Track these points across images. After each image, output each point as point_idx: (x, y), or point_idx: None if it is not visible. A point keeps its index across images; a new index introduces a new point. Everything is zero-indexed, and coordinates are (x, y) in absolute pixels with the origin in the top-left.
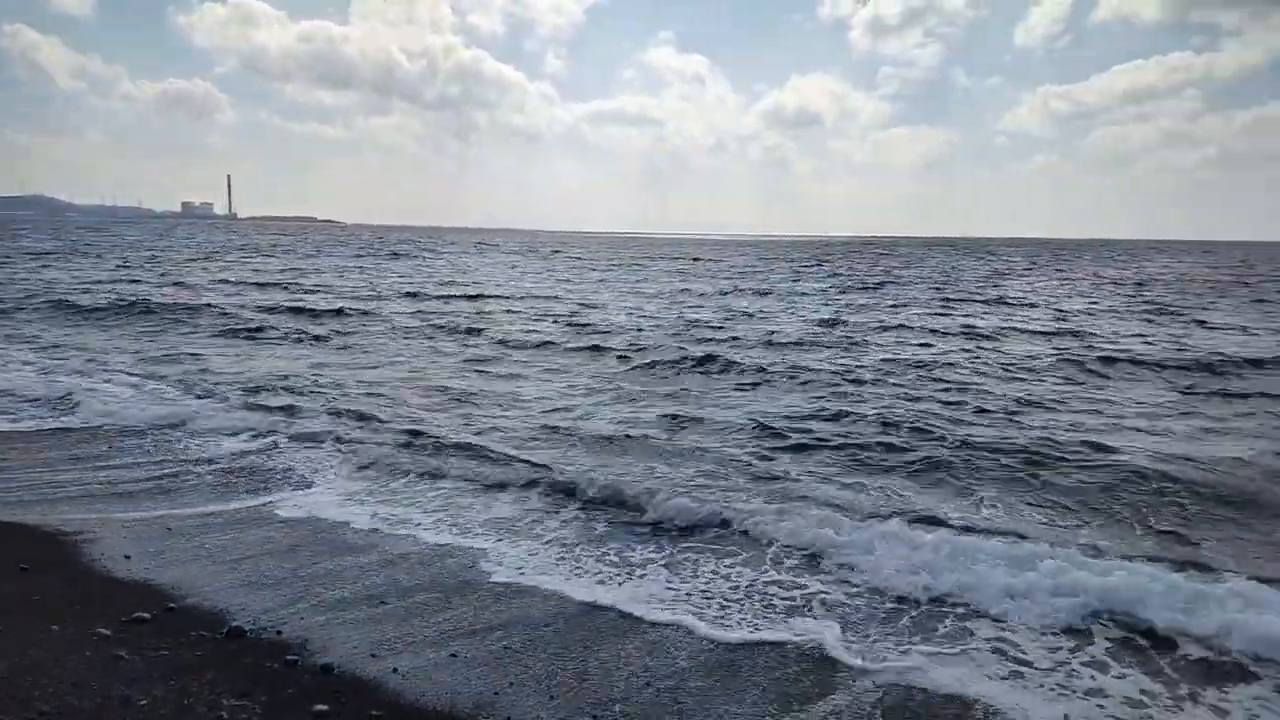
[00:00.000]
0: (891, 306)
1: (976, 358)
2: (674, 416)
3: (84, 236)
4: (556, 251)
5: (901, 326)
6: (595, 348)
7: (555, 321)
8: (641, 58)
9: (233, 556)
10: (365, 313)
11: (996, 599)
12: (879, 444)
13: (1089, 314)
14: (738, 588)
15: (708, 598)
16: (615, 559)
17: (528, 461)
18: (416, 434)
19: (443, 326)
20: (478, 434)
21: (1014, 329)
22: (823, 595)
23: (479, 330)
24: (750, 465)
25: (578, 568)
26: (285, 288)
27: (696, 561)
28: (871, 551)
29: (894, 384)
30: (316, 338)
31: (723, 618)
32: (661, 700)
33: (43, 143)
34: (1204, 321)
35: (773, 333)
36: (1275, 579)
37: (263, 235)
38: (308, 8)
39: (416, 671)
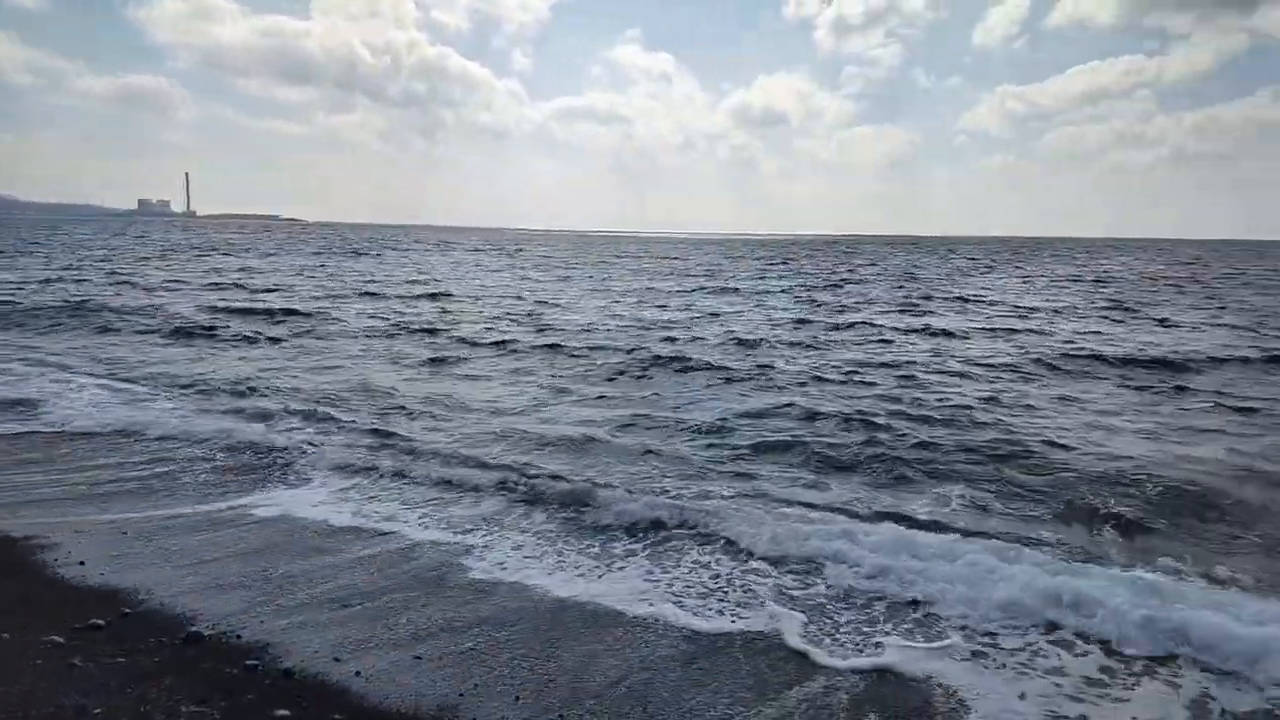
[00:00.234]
0: (855, 305)
1: (938, 356)
2: (639, 416)
3: (33, 234)
4: (522, 250)
5: (865, 324)
6: (556, 347)
7: (518, 321)
8: (608, 55)
9: (196, 559)
10: (323, 313)
11: (954, 594)
12: (843, 442)
13: (1049, 312)
14: (710, 582)
15: (683, 590)
16: (589, 556)
17: (494, 463)
18: (386, 435)
19: (404, 326)
20: (445, 435)
21: (976, 328)
22: (789, 589)
23: (440, 330)
24: (716, 464)
25: (555, 564)
26: (242, 287)
27: (668, 559)
28: (838, 547)
29: (858, 382)
30: (272, 339)
31: (696, 610)
32: (634, 696)
33: None
34: (1163, 319)
35: (738, 332)
36: (1239, 581)
37: (220, 233)
38: (267, 2)
39: (380, 674)
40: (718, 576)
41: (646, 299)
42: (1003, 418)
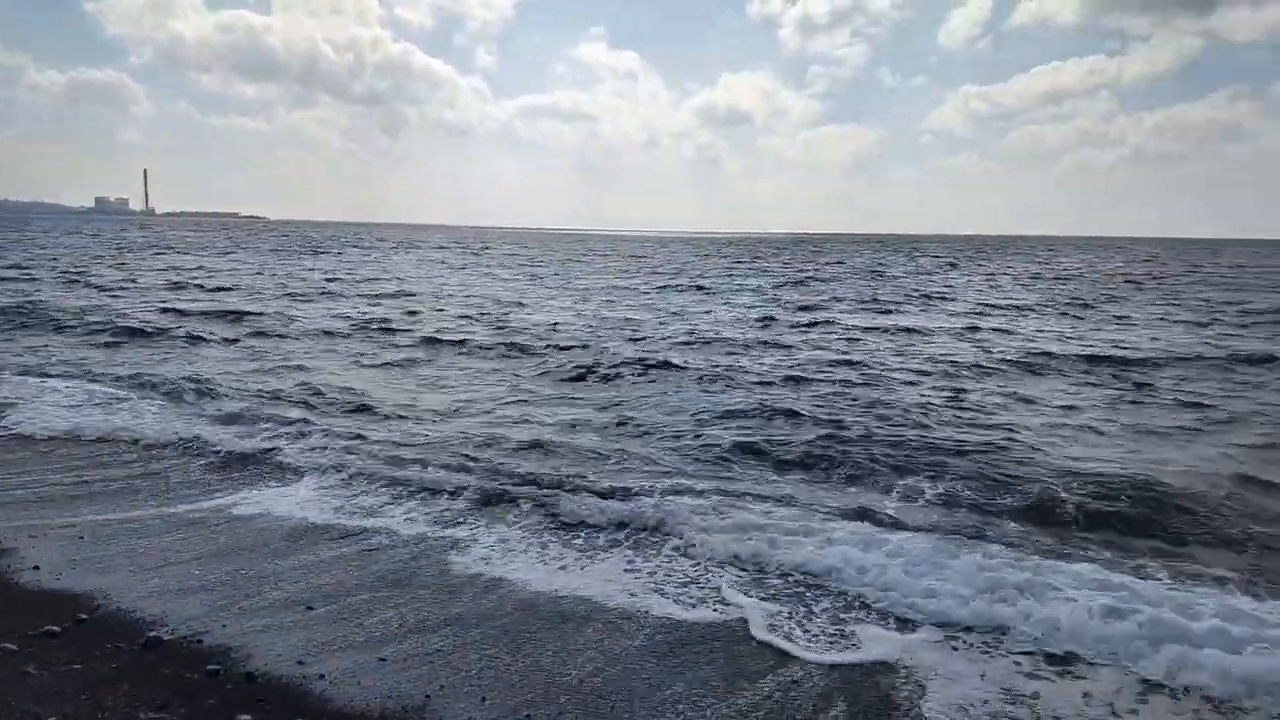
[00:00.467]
0: (821, 303)
1: (901, 355)
2: (607, 416)
3: None
4: (487, 248)
5: (830, 323)
6: (521, 347)
7: (483, 321)
8: (573, 53)
9: (161, 562)
10: (280, 313)
11: (917, 587)
12: (808, 440)
13: (1012, 309)
14: (681, 577)
15: (658, 585)
16: (564, 553)
17: (467, 463)
18: (357, 435)
19: (365, 326)
20: (414, 435)
21: (940, 326)
22: (756, 584)
23: (403, 330)
24: (684, 463)
25: (532, 561)
26: (198, 286)
27: (640, 557)
28: (805, 543)
29: (823, 381)
30: (229, 340)
31: (672, 603)
32: (605, 692)
33: None
34: (1123, 316)
35: (705, 330)
36: (1203, 576)
37: (179, 231)
38: None
39: (345, 676)
40: (687, 573)
41: (613, 298)
42: (964, 416)
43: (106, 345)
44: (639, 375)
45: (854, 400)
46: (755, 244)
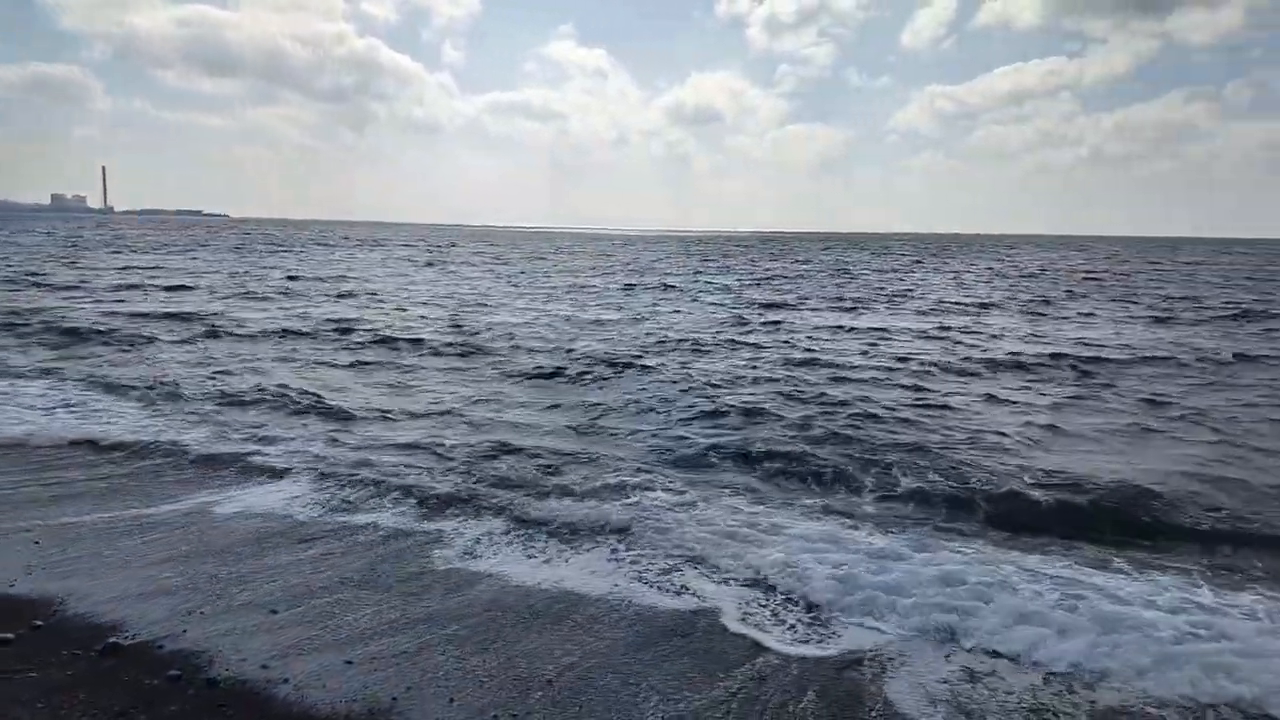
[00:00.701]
0: (789, 302)
1: (869, 353)
2: (578, 416)
3: None
4: (455, 245)
5: (798, 322)
6: (485, 348)
7: (446, 321)
8: (542, 50)
9: (122, 566)
10: (239, 314)
11: (887, 581)
12: (777, 438)
13: (976, 307)
14: (656, 574)
15: (630, 582)
16: (538, 553)
17: (437, 464)
18: (324, 438)
19: (326, 326)
20: (381, 436)
21: (906, 326)
22: (729, 580)
23: (365, 330)
24: (653, 465)
25: (505, 560)
26: (158, 287)
27: (611, 556)
28: (773, 540)
29: (791, 380)
30: (185, 340)
31: (645, 598)
32: (577, 689)
33: None
34: (1087, 314)
35: (673, 330)
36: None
37: (138, 230)
38: None
39: (311, 680)
40: (659, 570)
41: (581, 297)
42: (930, 414)
43: (58, 346)
44: (608, 376)
45: (822, 399)
46: (724, 242)
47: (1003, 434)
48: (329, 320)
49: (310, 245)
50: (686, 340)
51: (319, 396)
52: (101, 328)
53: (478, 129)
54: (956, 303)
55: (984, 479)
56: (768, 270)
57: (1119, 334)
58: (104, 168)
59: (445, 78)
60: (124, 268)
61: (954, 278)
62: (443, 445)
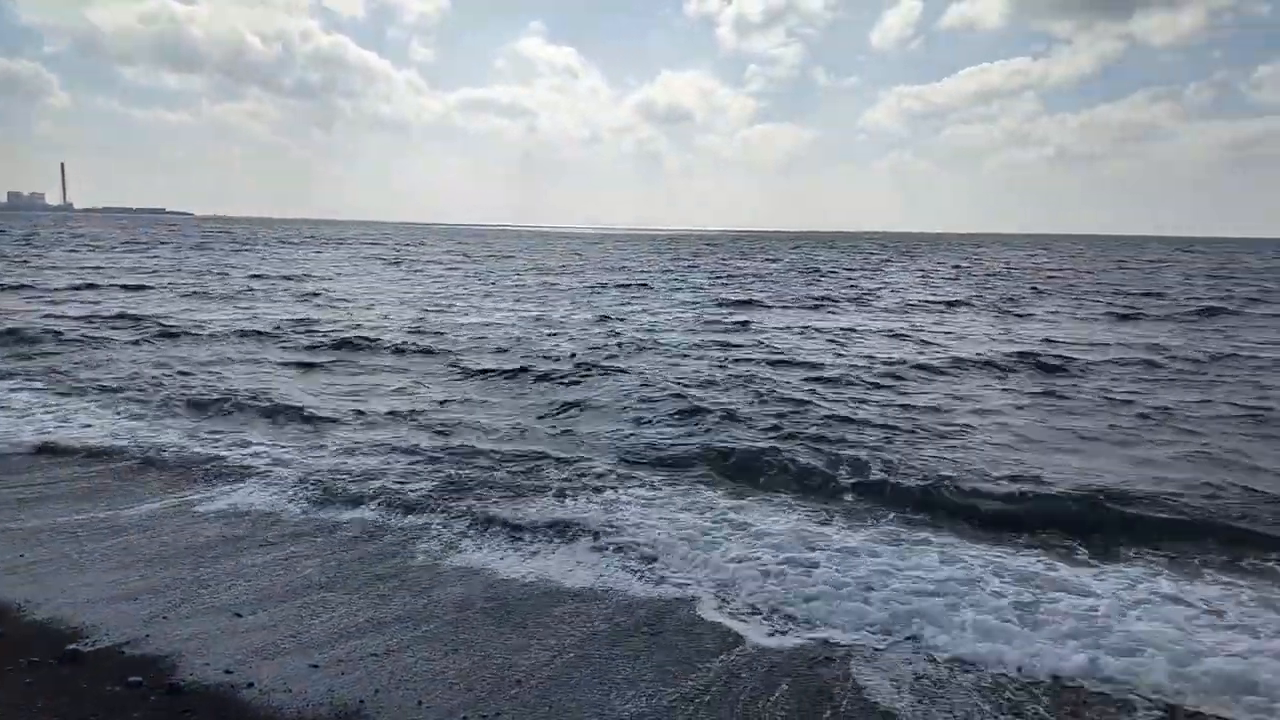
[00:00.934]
0: (760, 301)
1: (840, 353)
2: (548, 417)
3: None
4: (423, 244)
5: (768, 322)
6: (452, 349)
7: (412, 321)
8: (511, 47)
9: (86, 571)
10: (200, 314)
11: (850, 581)
12: (749, 437)
13: (943, 305)
14: (630, 572)
15: (602, 580)
16: (510, 552)
17: (404, 463)
18: (294, 440)
19: (290, 326)
20: (351, 438)
21: (875, 325)
22: (703, 575)
23: (330, 331)
24: (629, 464)
25: (472, 561)
26: (117, 286)
27: (584, 555)
28: (750, 540)
29: (761, 380)
30: (141, 341)
31: (614, 598)
32: (548, 688)
33: None
34: (1053, 312)
35: (642, 330)
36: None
37: (98, 228)
38: None
39: (276, 684)
40: (632, 568)
41: (551, 296)
42: (901, 414)
43: (9, 346)
44: (578, 376)
45: (792, 399)
46: (695, 241)
47: (971, 432)
48: (293, 321)
49: (274, 244)
50: (657, 339)
51: (286, 398)
52: (60, 328)
53: (446, 126)
54: (925, 301)
55: (953, 477)
56: (738, 268)
57: (1084, 332)
58: (63, 164)
59: (413, 75)
60: (83, 267)
61: (922, 276)
62: (413, 446)
